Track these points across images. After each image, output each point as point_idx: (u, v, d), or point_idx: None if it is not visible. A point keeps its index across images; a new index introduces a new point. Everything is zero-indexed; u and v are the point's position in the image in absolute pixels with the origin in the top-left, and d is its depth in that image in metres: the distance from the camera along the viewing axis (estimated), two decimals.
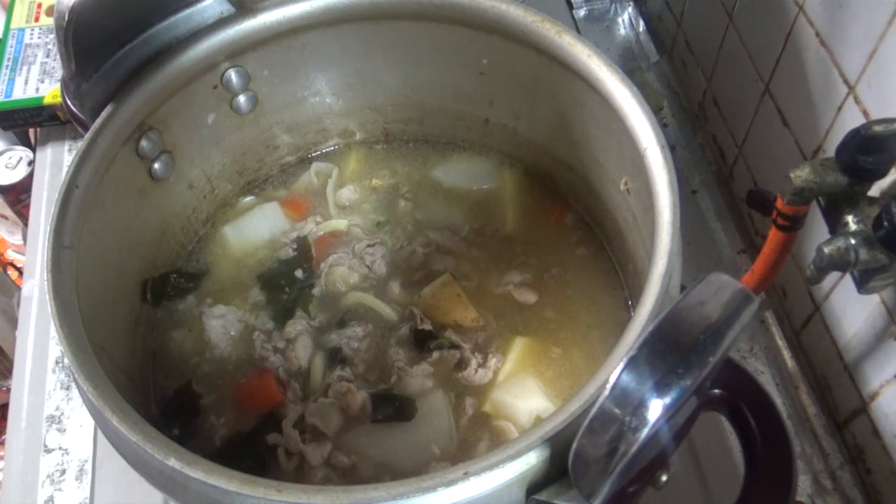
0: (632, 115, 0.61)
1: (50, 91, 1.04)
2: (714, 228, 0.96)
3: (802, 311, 0.82)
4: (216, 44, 0.72)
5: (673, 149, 1.02)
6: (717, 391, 0.55)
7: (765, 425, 0.55)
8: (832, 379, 0.79)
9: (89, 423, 0.84)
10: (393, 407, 0.70)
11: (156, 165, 0.74)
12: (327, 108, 0.86)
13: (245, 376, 0.74)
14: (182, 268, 0.82)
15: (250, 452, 0.70)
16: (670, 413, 0.41)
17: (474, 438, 0.69)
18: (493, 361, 0.73)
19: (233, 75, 0.76)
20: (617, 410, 0.42)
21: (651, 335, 0.43)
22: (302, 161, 0.89)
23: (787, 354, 0.85)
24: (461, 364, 0.73)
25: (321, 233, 0.83)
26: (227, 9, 0.72)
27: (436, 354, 0.73)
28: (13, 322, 1.12)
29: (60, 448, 0.83)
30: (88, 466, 0.81)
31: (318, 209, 0.85)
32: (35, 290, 0.94)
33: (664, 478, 0.51)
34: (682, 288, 0.57)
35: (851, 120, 0.68)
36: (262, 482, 0.48)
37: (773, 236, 0.62)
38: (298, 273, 0.80)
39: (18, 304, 0.96)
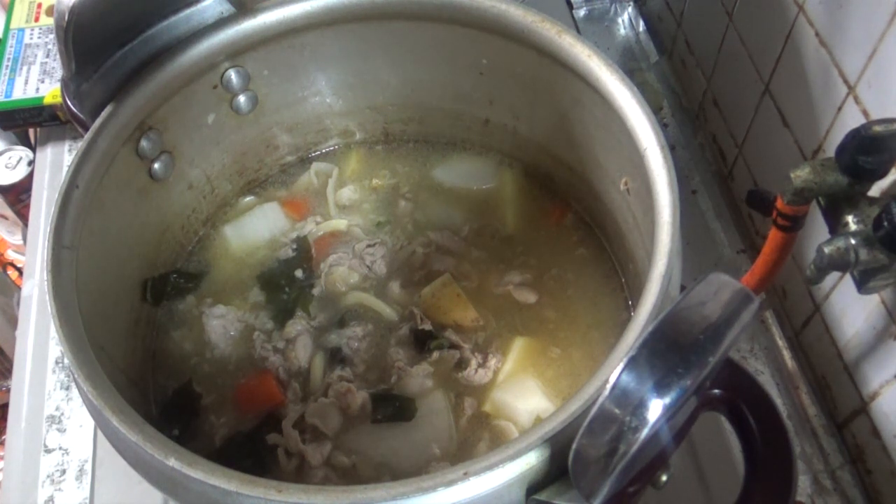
0: (632, 115, 0.61)
1: (50, 91, 1.04)
2: (714, 228, 0.96)
3: (802, 311, 0.82)
4: (216, 44, 0.72)
5: (673, 149, 1.02)
6: (717, 391, 0.55)
7: (765, 425, 0.55)
8: (832, 379, 0.79)
9: (89, 423, 0.84)
10: (393, 407, 0.70)
11: (156, 165, 0.74)
12: (327, 108, 0.86)
13: (245, 376, 0.74)
14: (182, 268, 0.82)
15: (250, 452, 0.70)
16: (670, 413, 0.41)
17: (474, 438, 0.69)
18: (493, 361, 0.73)
19: (233, 75, 0.76)
20: (617, 410, 0.42)
21: (651, 335, 0.43)
22: (302, 161, 0.89)
23: (786, 354, 0.85)
24: (461, 364, 0.73)
25: (321, 233, 0.83)
26: (227, 9, 0.72)
27: (436, 354, 0.73)
28: (13, 322, 1.12)
29: (60, 448, 0.83)
30: (88, 466, 0.81)
31: (318, 209, 0.85)
32: (35, 290, 0.94)
33: (664, 478, 0.51)
34: (682, 288, 0.57)
35: (851, 120, 0.68)
36: (262, 482, 0.48)
37: (773, 236, 0.62)
38: (298, 273, 0.80)
39: (18, 304, 0.96)
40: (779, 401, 0.82)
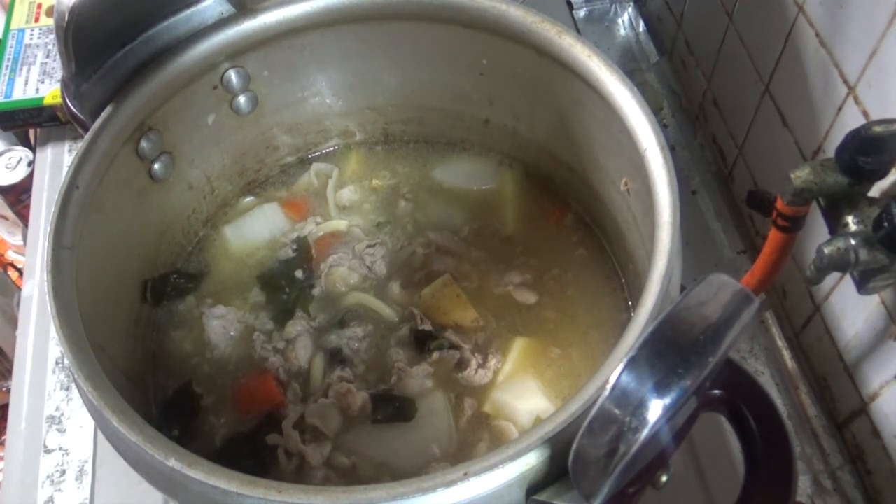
0: (632, 116, 0.61)
1: (50, 91, 1.04)
2: (714, 229, 0.96)
3: (802, 312, 0.82)
4: (216, 44, 0.72)
5: (673, 149, 1.02)
6: (717, 391, 0.55)
7: (765, 425, 0.55)
8: (832, 379, 0.79)
9: (89, 423, 0.84)
10: (393, 407, 0.70)
11: (156, 166, 0.74)
12: (327, 108, 0.86)
13: (245, 377, 0.74)
14: (182, 268, 0.82)
15: (250, 453, 0.70)
16: (670, 413, 0.41)
17: (474, 439, 0.69)
18: (492, 362, 0.73)
19: (233, 76, 0.76)
20: (617, 411, 0.42)
21: (651, 336, 0.43)
22: (302, 161, 0.89)
23: (786, 355, 0.85)
24: (461, 364, 0.73)
25: (321, 233, 0.83)
26: (227, 9, 0.72)
27: (436, 355, 0.73)
28: (13, 322, 1.12)
29: (60, 448, 0.83)
30: (88, 467, 0.81)
31: (318, 209, 0.85)
32: (35, 291, 0.94)
33: (664, 478, 0.51)
34: (682, 288, 0.57)
35: (851, 120, 0.68)
36: (262, 482, 0.48)
37: (773, 237, 0.62)
38: (298, 273, 0.80)
39: (18, 305, 0.96)
40: (779, 401, 0.82)
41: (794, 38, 0.75)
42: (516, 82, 0.76)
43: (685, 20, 1.04)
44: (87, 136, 0.65)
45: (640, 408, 0.41)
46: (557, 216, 0.83)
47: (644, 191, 0.60)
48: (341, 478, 0.68)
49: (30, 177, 1.11)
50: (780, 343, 0.86)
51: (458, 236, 0.82)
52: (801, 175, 0.55)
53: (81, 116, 0.66)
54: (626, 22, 1.19)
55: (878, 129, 0.52)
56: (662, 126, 1.04)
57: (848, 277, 0.68)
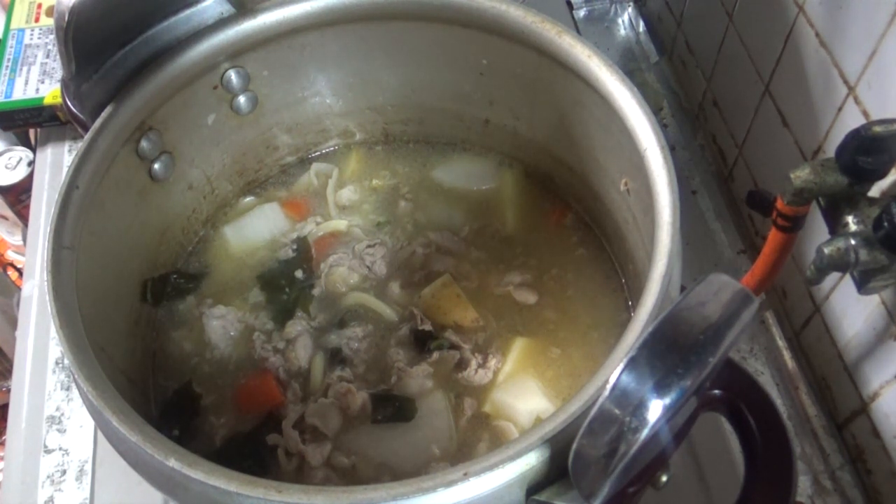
0: (632, 116, 0.61)
1: (50, 91, 1.04)
2: (714, 229, 0.96)
3: (802, 312, 0.82)
4: (216, 44, 0.72)
5: (673, 149, 1.02)
6: (717, 392, 0.55)
7: (765, 426, 0.55)
8: (832, 379, 0.79)
9: (89, 423, 0.84)
10: (393, 407, 0.70)
11: (156, 166, 0.74)
12: (327, 108, 0.86)
13: (245, 377, 0.74)
14: (182, 268, 0.82)
15: (250, 453, 0.70)
16: (670, 413, 0.41)
17: (474, 439, 0.69)
18: (492, 362, 0.73)
19: (233, 76, 0.76)
20: (617, 411, 0.42)
21: (651, 336, 0.43)
22: (302, 161, 0.89)
23: (787, 355, 0.85)
24: (461, 364, 0.73)
25: (321, 233, 0.83)
26: (227, 9, 0.72)
27: (436, 355, 0.73)
28: (13, 322, 1.12)
29: (60, 448, 0.83)
30: (88, 467, 0.81)
31: (318, 209, 0.85)
32: (35, 291, 0.94)
33: (664, 478, 0.51)
34: (682, 288, 0.57)
35: (851, 120, 0.68)
36: (262, 482, 0.48)
37: (773, 237, 0.62)
38: (298, 273, 0.80)
39: (18, 305, 0.96)
40: (779, 401, 0.82)
41: (794, 38, 0.75)
42: (516, 82, 0.76)
43: (685, 20, 1.04)
44: (87, 136, 0.65)
45: (640, 408, 0.41)
46: (557, 216, 0.83)
47: (644, 191, 0.60)
48: (341, 478, 0.68)
49: (30, 177, 1.11)
50: (780, 343, 0.86)
51: (458, 236, 0.82)
52: (801, 175, 0.55)
53: (81, 116, 0.66)
54: (626, 22, 1.19)
55: (878, 129, 0.52)
56: (662, 126, 1.04)
57: (848, 277, 0.68)
